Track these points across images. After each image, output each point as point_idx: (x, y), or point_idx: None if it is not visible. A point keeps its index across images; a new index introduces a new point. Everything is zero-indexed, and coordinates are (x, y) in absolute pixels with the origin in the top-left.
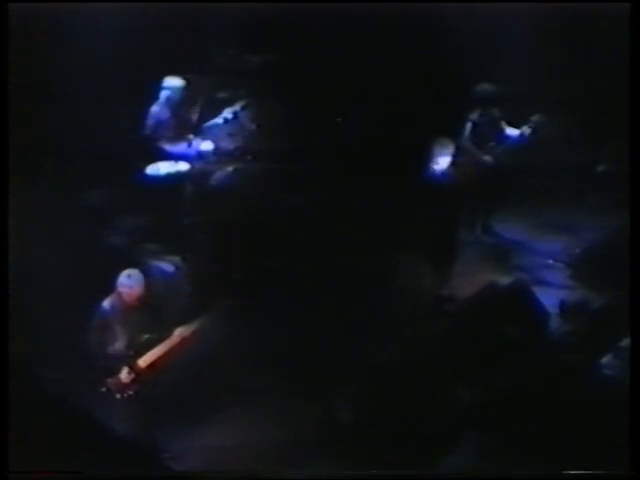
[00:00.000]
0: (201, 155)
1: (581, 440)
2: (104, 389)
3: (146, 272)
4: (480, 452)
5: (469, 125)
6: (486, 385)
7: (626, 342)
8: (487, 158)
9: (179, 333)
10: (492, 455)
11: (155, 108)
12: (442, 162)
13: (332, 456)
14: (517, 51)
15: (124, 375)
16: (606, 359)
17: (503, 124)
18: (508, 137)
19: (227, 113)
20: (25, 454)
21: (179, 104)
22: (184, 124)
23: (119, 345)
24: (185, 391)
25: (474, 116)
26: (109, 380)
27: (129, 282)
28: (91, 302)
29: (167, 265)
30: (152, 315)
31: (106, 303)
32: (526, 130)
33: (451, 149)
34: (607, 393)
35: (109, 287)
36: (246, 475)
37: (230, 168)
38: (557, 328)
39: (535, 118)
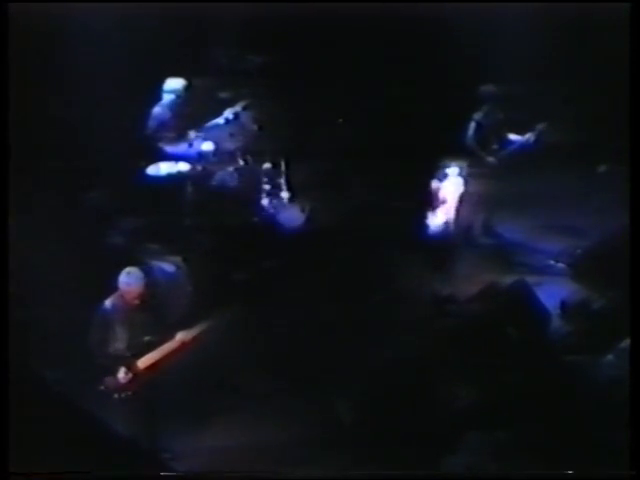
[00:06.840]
0: (202, 155)
1: (581, 440)
2: (102, 387)
3: (147, 272)
4: (481, 452)
5: (473, 125)
6: (487, 385)
7: (626, 342)
8: (490, 160)
9: (180, 337)
10: (493, 455)
11: (156, 108)
12: None
13: (333, 456)
14: (517, 51)
15: (121, 375)
16: (607, 359)
17: (507, 132)
18: (512, 142)
19: (228, 113)
20: (25, 454)
21: (180, 105)
22: (185, 124)
23: (119, 345)
24: (186, 391)
25: (478, 116)
26: (107, 379)
27: (128, 280)
28: (92, 302)
29: (168, 265)
30: (153, 315)
31: (108, 302)
32: (530, 137)
33: None
34: (607, 393)
35: (110, 287)
36: (246, 475)
37: (231, 168)
38: (558, 328)
39: (539, 126)
